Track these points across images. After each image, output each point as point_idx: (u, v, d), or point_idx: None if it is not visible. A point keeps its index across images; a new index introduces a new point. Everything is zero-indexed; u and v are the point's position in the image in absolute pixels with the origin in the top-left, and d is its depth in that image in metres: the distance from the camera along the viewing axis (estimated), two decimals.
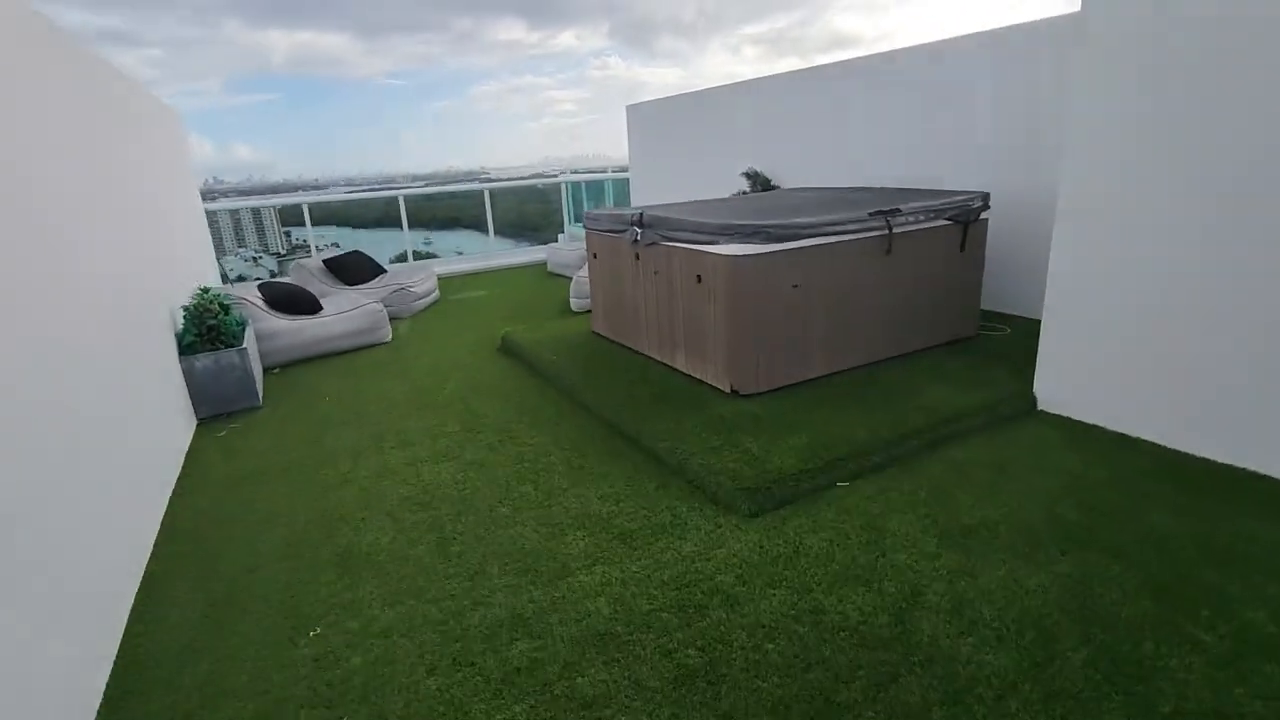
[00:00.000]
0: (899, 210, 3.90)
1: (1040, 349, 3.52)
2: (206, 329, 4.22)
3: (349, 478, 3.36)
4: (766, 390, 3.75)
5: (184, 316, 4.25)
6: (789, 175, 6.58)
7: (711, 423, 3.43)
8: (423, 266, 7.28)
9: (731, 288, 3.56)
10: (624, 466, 3.28)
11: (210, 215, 6.77)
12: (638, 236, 4.21)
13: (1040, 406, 3.56)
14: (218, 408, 4.27)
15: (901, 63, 5.36)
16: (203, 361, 4.14)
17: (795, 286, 3.69)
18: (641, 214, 4.24)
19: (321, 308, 5.64)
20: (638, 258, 4.35)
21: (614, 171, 11.63)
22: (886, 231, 3.84)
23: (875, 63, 5.57)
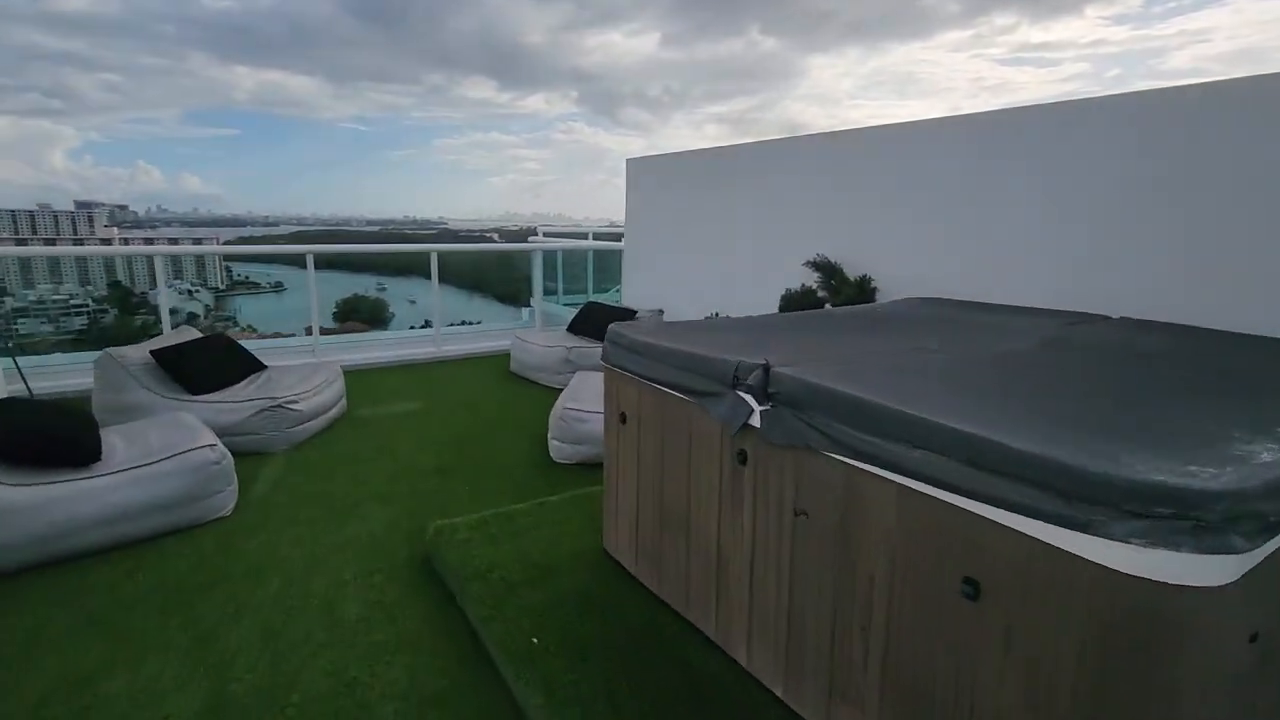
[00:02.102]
0: None
1: None
2: None
3: None
4: None
5: None
6: (866, 266, 4.36)
7: None
8: (322, 368, 4.59)
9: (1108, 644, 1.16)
10: None
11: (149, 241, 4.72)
12: (754, 419, 1.82)
13: None
14: None
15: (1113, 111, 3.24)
16: None
17: (1253, 640, 1.32)
18: (766, 368, 1.83)
19: (99, 453, 2.96)
20: (743, 461, 1.93)
21: (596, 239, 9.34)
22: None
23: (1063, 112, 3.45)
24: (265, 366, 4.54)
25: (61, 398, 4.70)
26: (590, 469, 3.70)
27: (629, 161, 6.93)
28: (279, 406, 3.94)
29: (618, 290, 8.70)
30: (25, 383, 4.62)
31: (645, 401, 2.31)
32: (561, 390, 5.06)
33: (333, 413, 4.44)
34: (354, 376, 5.43)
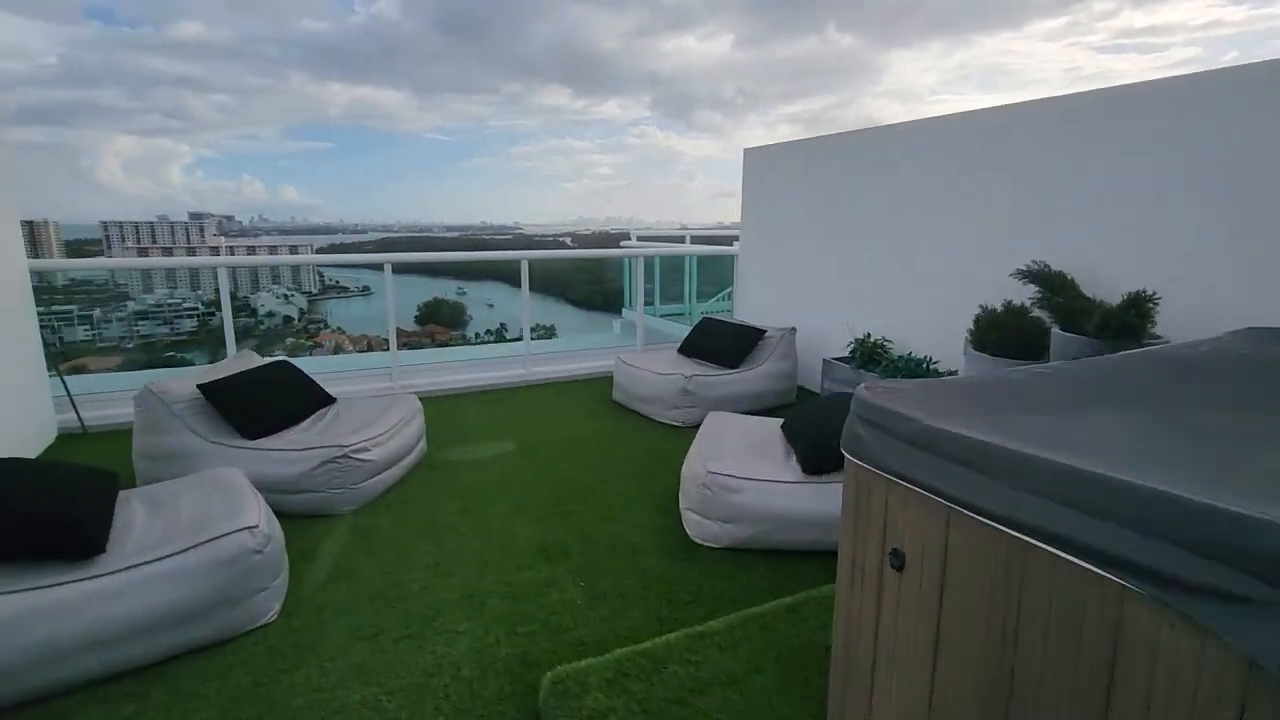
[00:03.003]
0: None
1: None
2: None
3: None
4: None
5: None
6: (1104, 279, 3.12)
7: None
8: (399, 402, 3.70)
9: None
10: None
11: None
12: None
13: None
14: None
15: None
16: None
17: None
18: None
19: (104, 540, 2.16)
20: None
21: (698, 241, 8.28)
22: None
23: None
24: (333, 400, 3.74)
25: (119, 430, 4.06)
26: (748, 558, 2.65)
27: (747, 152, 5.84)
28: (346, 456, 3.09)
29: (720, 299, 7.62)
30: (76, 412, 4.00)
31: (957, 540, 1.23)
32: (684, 431, 4.08)
33: (410, 459, 3.58)
34: (433, 404, 4.60)
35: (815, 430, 2.90)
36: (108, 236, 43.14)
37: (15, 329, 3.70)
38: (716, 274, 7.62)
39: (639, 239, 8.11)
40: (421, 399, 4.44)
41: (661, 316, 7.74)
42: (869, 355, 4.37)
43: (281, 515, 2.67)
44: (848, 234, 4.87)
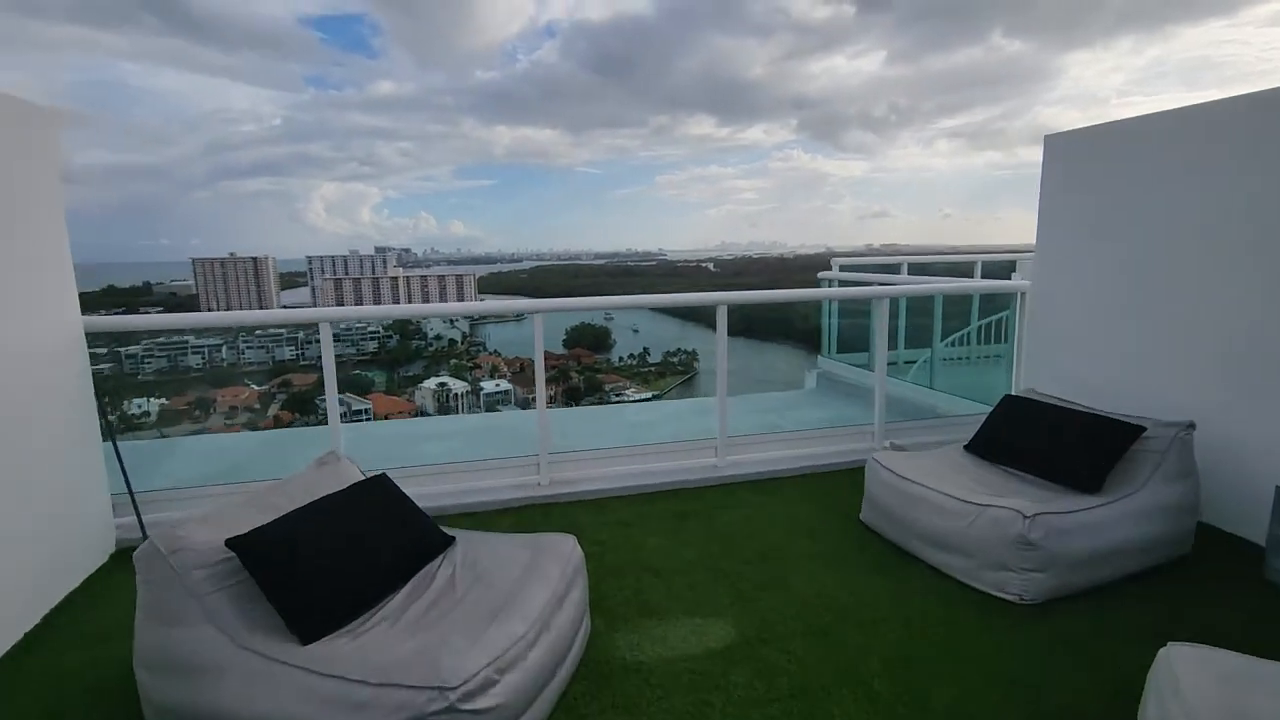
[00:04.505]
0: None
1: None
2: None
3: None
4: None
5: None
6: None
7: None
8: (545, 551, 2.07)
9: None
10: None
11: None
12: None
13: None
14: None
15: None
16: None
17: None
18: None
19: None
20: None
21: (914, 271, 6.20)
22: None
23: None
24: (450, 542, 2.27)
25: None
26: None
27: (1050, 140, 3.79)
28: (452, 710, 1.56)
29: (955, 343, 5.48)
30: (133, 501, 2.89)
31: None
32: (1020, 612, 2.15)
33: (565, 667, 2.00)
34: (593, 512, 3.06)
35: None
36: (310, 270, 48.56)
37: (58, 412, 2.65)
38: (924, 311, 5.49)
39: (842, 267, 6.19)
40: (577, 503, 2.94)
41: (857, 365, 5.76)
42: None
43: None
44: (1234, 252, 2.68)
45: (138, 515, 2.88)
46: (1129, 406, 3.01)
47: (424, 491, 3.27)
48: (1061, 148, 3.72)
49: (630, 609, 2.42)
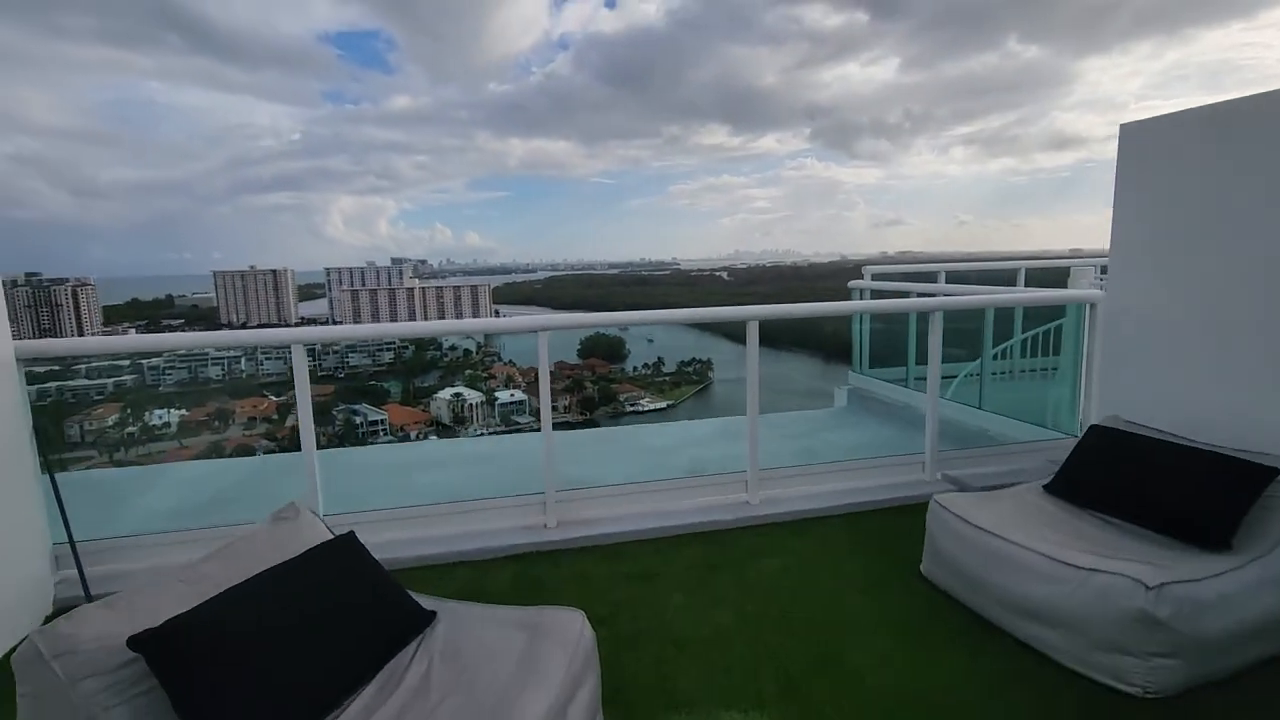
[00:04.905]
0: None
1: None
2: None
3: None
4: None
5: None
6: None
7: None
8: (544, 632, 1.61)
9: None
10: None
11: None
12: None
13: None
14: None
15: None
16: None
17: None
18: None
19: None
20: None
21: (954, 280, 5.68)
22: None
23: None
24: (431, 618, 1.82)
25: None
26: None
27: (1126, 129, 3.28)
28: None
29: (999, 359, 4.95)
30: (75, 552, 2.47)
31: None
32: (1148, 708, 1.63)
33: None
34: (605, 562, 2.60)
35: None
36: (328, 281, 48.79)
37: None
38: (963, 320, 4.95)
39: (874, 276, 5.69)
40: (589, 549, 2.50)
41: (884, 378, 5.26)
42: None
43: None
44: None
45: (79, 570, 2.47)
46: (1240, 440, 2.49)
47: (415, 536, 2.83)
48: (1141, 138, 3.22)
49: (653, 699, 1.95)
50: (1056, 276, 6.59)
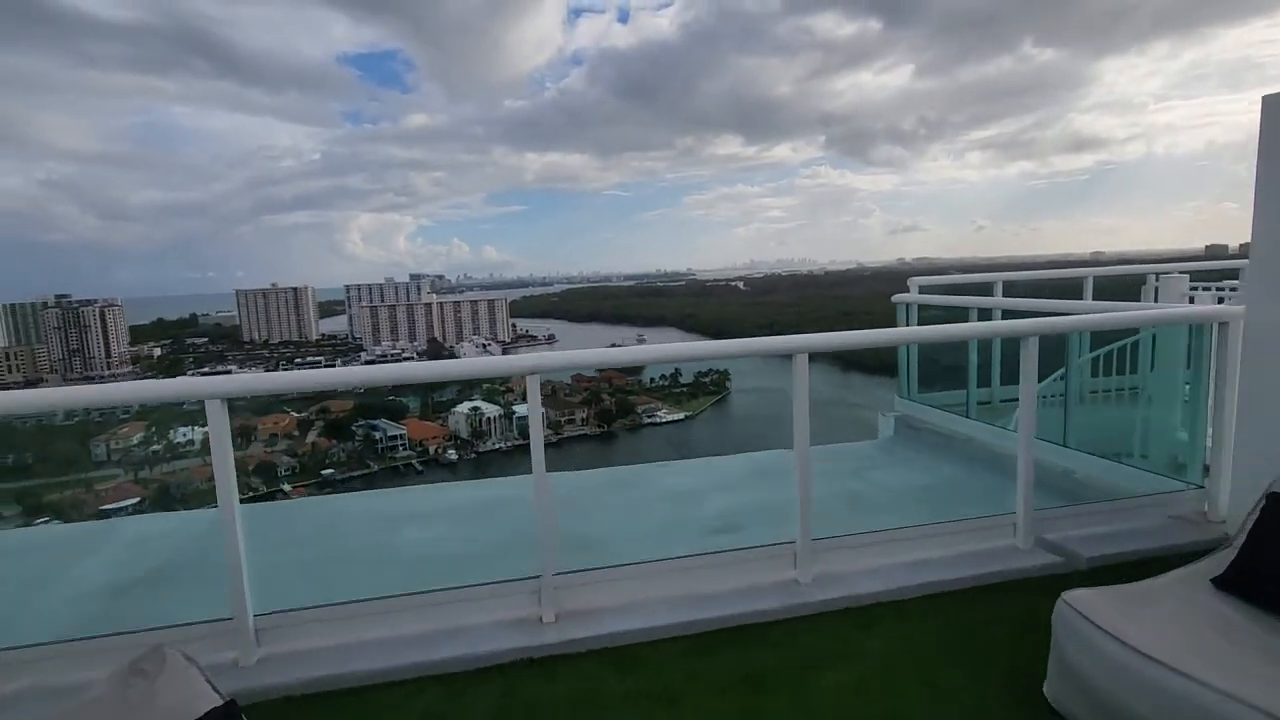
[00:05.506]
0: None
1: None
2: None
3: None
4: None
5: None
6: None
7: None
8: None
9: None
10: None
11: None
12: None
13: None
14: None
15: None
16: None
17: None
18: None
19: None
20: None
21: (1010, 292, 4.95)
22: None
23: None
24: None
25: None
26: None
27: (1267, 101, 2.58)
28: None
29: (1054, 380, 4.17)
30: None
31: None
32: None
33: None
34: (610, 672, 1.95)
35: None
36: (348, 298, 48.89)
37: None
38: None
39: (922, 288, 4.97)
40: (595, 654, 1.87)
41: (936, 405, 4.53)
42: None
43: None
44: None
45: None
46: None
47: (375, 638, 2.20)
48: None
49: None
50: (1129, 285, 5.83)
